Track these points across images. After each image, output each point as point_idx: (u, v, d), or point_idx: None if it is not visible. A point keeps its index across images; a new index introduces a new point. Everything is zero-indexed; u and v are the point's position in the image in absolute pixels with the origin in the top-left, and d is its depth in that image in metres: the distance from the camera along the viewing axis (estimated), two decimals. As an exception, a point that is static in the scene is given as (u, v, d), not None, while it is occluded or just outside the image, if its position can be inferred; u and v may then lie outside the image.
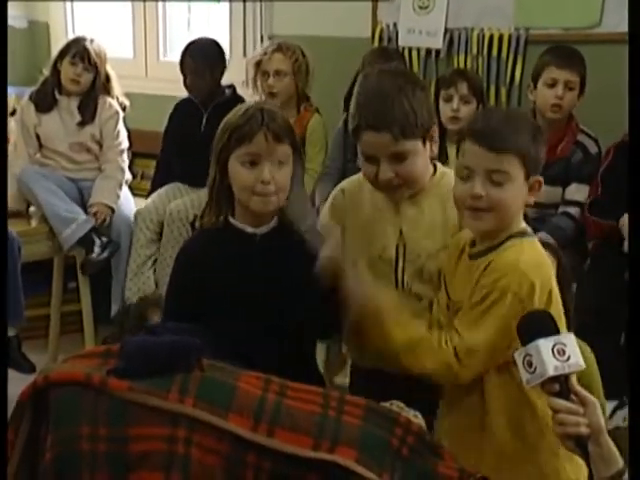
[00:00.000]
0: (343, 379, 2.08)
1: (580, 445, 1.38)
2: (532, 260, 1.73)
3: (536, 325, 1.44)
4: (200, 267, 1.97)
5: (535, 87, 3.07)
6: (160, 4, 4.36)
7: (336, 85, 3.41)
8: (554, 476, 1.76)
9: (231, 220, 1.98)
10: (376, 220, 2.04)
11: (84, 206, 3.47)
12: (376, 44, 3.72)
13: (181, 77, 3.52)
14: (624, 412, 2.50)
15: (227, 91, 3.53)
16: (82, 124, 3.50)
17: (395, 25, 3.71)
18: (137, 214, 3.49)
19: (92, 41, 3.50)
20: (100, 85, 3.52)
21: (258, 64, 3.44)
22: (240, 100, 3.26)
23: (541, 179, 1.75)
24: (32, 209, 3.53)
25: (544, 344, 1.40)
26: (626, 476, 1.39)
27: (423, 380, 1.79)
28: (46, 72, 3.54)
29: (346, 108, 3.34)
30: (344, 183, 2.18)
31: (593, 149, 3.07)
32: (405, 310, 1.85)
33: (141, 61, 4.45)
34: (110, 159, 3.53)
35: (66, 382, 1.59)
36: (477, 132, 1.73)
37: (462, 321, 1.76)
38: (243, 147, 1.89)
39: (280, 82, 3.39)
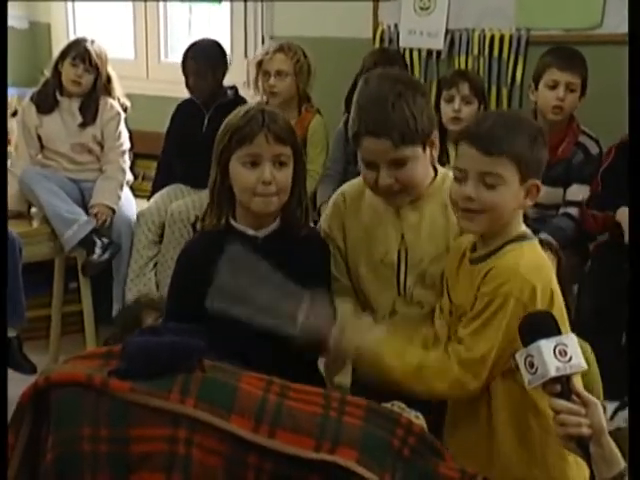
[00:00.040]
0: (344, 378, 2.07)
1: (581, 446, 1.38)
2: (532, 263, 1.72)
3: (537, 326, 1.44)
4: (201, 269, 1.97)
5: (536, 88, 3.07)
6: (161, 5, 4.36)
7: (337, 86, 3.41)
8: (562, 479, 1.75)
9: (232, 222, 1.98)
10: (377, 224, 2.04)
11: (85, 207, 3.47)
12: (377, 45, 3.71)
13: (182, 78, 3.51)
14: (625, 413, 2.50)
15: (229, 92, 3.53)
16: (83, 125, 3.49)
17: (396, 26, 3.71)
18: (140, 215, 3.49)
19: (93, 42, 3.50)
20: (101, 86, 3.51)
21: (260, 64, 3.44)
22: (242, 101, 3.26)
23: (539, 183, 1.74)
24: (33, 210, 3.52)
25: (545, 345, 1.40)
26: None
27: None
28: (47, 73, 3.53)
29: (347, 109, 3.34)
30: (345, 187, 2.17)
31: (594, 150, 3.07)
32: (398, 338, 1.85)
33: (142, 62, 4.45)
34: (111, 160, 3.53)
35: (67, 383, 1.59)
36: (471, 134, 1.74)
37: (466, 331, 1.76)
38: (244, 148, 1.90)
39: (281, 82, 3.39)
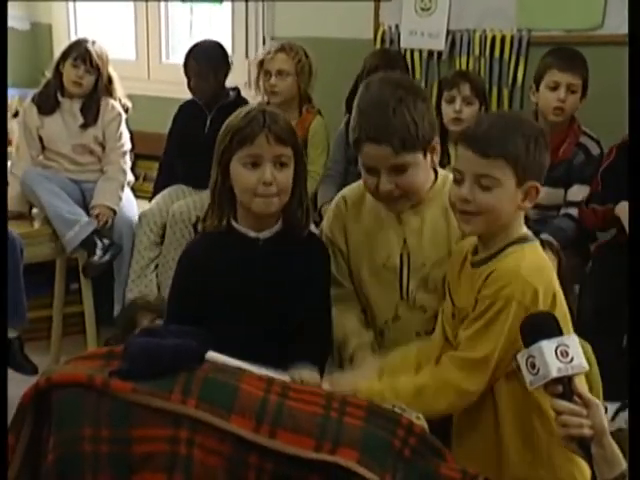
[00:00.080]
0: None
1: (583, 447, 1.38)
2: (534, 265, 1.72)
3: (539, 326, 1.44)
4: (203, 271, 1.97)
5: (537, 89, 3.07)
6: (162, 6, 4.36)
7: (338, 87, 3.41)
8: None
9: (234, 224, 1.98)
10: (379, 228, 2.04)
11: (86, 208, 3.46)
12: (378, 46, 3.71)
13: (183, 79, 3.51)
14: (626, 414, 2.50)
15: (231, 93, 3.52)
16: (85, 126, 3.49)
17: (397, 27, 3.70)
18: (141, 216, 3.49)
19: (94, 43, 3.49)
20: (102, 87, 3.51)
21: (261, 64, 3.44)
22: (244, 102, 3.26)
23: (538, 185, 1.74)
24: (35, 211, 3.52)
25: (547, 345, 1.40)
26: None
27: None
28: (48, 74, 3.54)
29: (348, 110, 3.34)
30: (346, 191, 2.17)
31: (595, 150, 3.06)
32: (389, 376, 1.85)
33: (143, 63, 4.45)
34: (112, 161, 3.53)
35: (68, 383, 1.59)
36: (468, 136, 1.74)
37: (467, 333, 1.76)
38: (245, 149, 1.90)
39: (282, 82, 3.39)
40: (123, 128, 3.57)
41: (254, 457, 1.55)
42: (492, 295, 1.71)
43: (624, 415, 2.51)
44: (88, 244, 3.35)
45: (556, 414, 1.41)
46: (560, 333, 1.43)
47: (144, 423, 1.57)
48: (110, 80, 3.55)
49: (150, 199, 3.63)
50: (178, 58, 4.25)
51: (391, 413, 1.68)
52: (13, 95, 4.10)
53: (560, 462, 1.74)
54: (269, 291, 1.96)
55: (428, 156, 1.94)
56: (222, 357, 1.74)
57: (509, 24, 3.46)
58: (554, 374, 1.39)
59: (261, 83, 3.45)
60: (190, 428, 1.56)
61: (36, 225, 3.47)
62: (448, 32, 3.59)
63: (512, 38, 3.45)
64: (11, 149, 3.73)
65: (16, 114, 3.90)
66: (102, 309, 3.49)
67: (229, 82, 3.56)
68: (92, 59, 3.44)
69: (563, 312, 1.74)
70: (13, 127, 3.86)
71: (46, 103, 3.49)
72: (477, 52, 3.53)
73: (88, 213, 3.43)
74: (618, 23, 3.21)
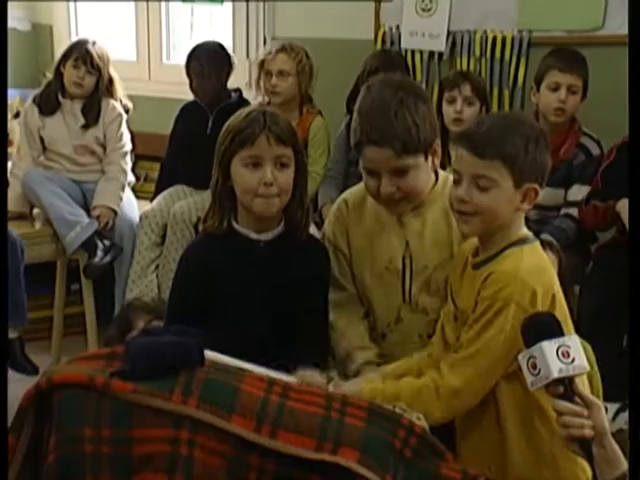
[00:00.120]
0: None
1: (584, 447, 1.38)
2: (532, 266, 1.72)
3: (540, 327, 1.44)
4: (203, 272, 1.97)
5: (538, 90, 3.07)
6: (163, 6, 4.36)
7: (339, 87, 3.41)
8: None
9: (235, 225, 1.98)
10: (380, 231, 2.04)
11: (87, 208, 3.47)
12: (379, 46, 3.71)
13: (184, 80, 3.52)
14: (627, 414, 2.50)
15: (233, 95, 3.52)
16: (86, 127, 3.50)
17: (398, 27, 3.70)
18: (142, 216, 3.49)
19: (94, 43, 3.50)
20: (103, 88, 3.51)
21: (262, 64, 3.44)
22: (246, 103, 3.26)
23: (537, 187, 1.73)
24: (36, 211, 3.53)
25: (548, 346, 1.40)
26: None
27: None
28: (49, 75, 3.54)
29: (349, 111, 3.34)
30: (347, 194, 2.17)
31: (595, 151, 3.06)
32: (391, 380, 1.86)
33: (144, 64, 4.45)
34: (113, 161, 3.53)
35: (69, 384, 1.59)
36: (466, 137, 1.74)
37: (467, 336, 1.76)
38: (245, 149, 1.90)
39: (283, 82, 3.39)
40: (124, 129, 3.57)
41: (255, 457, 1.55)
42: (490, 297, 1.72)
43: (624, 416, 2.51)
44: (89, 245, 3.35)
45: (557, 415, 1.41)
46: (561, 334, 1.43)
47: (145, 423, 1.56)
48: (111, 81, 3.55)
49: (151, 200, 3.63)
50: (179, 59, 4.26)
51: (392, 413, 1.68)
52: (14, 96, 4.10)
53: (563, 462, 1.73)
54: (269, 293, 1.96)
55: (429, 158, 1.94)
56: (224, 357, 1.74)
57: (510, 25, 3.46)
58: (555, 375, 1.39)
59: (262, 83, 3.45)
60: (191, 429, 1.56)
61: (37, 226, 3.48)
62: (449, 33, 3.59)
63: (513, 39, 3.45)
64: (12, 150, 3.73)
65: (17, 115, 3.90)
66: (103, 309, 3.49)
67: (230, 83, 3.57)
68: (93, 60, 3.45)
69: (563, 313, 1.74)
70: (14, 128, 3.86)
71: (47, 104, 3.49)
72: (478, 53, 3.52)
73: (89, 214, 3.43)
74: (619, 24, 3.21)
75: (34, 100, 3.54)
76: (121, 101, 3.60)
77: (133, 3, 4.42)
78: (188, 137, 3.54)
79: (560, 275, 1.87)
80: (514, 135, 1.71)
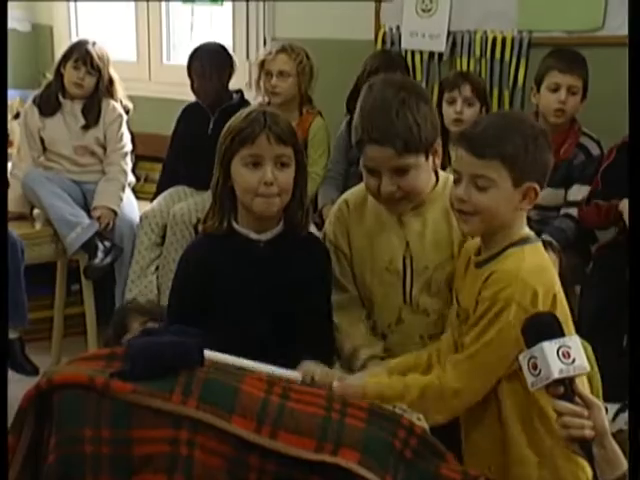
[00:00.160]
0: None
1: (584, 448, 1.38)
2: (533, 266, 1.72)
3: (541, 327, 1.44)
4: (203, 272, 1.97)
5: (538, 91, 3.07)
6: (163, 7, 4.36)
7: (339, 88, 3.41)
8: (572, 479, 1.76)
9: (235, 225, 1.98)
10: (381, 232, 2.04)
11: (87, 209, 3.47)
12: (379, 47, 3.71)
13: (185, 80, 3.52)
14: (627, 415, 2.50)
15: (235, 96, 3.53)
16: (86, 127, 3.50)
17: (398, 28, 3.70)
18: (142, 216, 3.49)
19: (95, 44, 3.50)
20: (103, 88, 3.52)
21: (262, 64, 3.44)
22: (247, 105, 3.26)
23: (536, 186, 1.73)
24: (36, 212, 3.53)
25: (549, 346, 1.40)
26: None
27: None
28: (49, 76, 3.54)
29: (349, 111, 3.34)
30: (347, 194, 2.17)
31: (595, 151, 3.07)
32: (402, 366, 1.87)
33: (144, 64, 4.45)
34: (113, 162, 3.53)
35: (69, 384, 1.59)
36: (464, 137, 1.74)
37: (469, 337, 1.76)
38: (246, 149, 1.90)
39: (283, 83, 3.39)
40: (124, 129, 3.57)
41: (255, 458, 1.55)
42: (491, 297, 1.72)
43: (624, 416, 2.51)
44: (90, 247, 3.35)
45: (557, 415, 1.40)
46: (562, 334, 1.42)
47: (145, 424, 1.56)
48: (111, 81, 3.55)
49: (152, 200, 3.63)
50: (179, 59, 4.27)
51: (392, 414, 1.68)
52: (14, 96, 4.10)
53: (562, 462, 1.74)
54: (269, 293, 1.96)
55: (430, 158, 1.94)
56: (224, 356, 1.74)
57: (510, 25, 3.46)
58: (556, 375, 1.39)
59: (262, 84, 3.45)
60: (191, 429, 1.56)
61: (37, 226, 3.48)
62: (449, 33, 3.59)
63: (513, 39, 3.45)
64: (12, 150, 3.73)
65: (17, 115, 3.90)
66: (103, 310, 3.49)
67: (230, 83, 3.57)
68: (93, 60, 3.45)
69: (564, 313, 1.74)
70: (14, 128, 3.86)
71: (47, 104, 3.49)
72: (478, 53, 3.52)
73: (89, 214, 3.43)
74: (618, 24, 3.21)
75: (34, 101, 3.54)
76: (121, 102, 3.60)
77: (133, 3, 4.42)
78: (190, 138, 3.54)
79: (560, 275, 1.87)
80: (513, 135, 1.71)
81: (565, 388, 1.40)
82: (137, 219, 3.50)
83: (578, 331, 1.73)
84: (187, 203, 3.45)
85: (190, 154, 3.49)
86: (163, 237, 3.46)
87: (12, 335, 3.05)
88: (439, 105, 3.18)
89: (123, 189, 3.53)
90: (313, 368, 1.87)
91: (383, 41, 3.73)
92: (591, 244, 3.11)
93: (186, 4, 4.41)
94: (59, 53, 3.61)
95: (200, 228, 2.06)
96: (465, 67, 3.53)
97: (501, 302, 1.70)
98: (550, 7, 3.38)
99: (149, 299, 3.26)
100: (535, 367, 1.41)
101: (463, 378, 1.74)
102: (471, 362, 1.74)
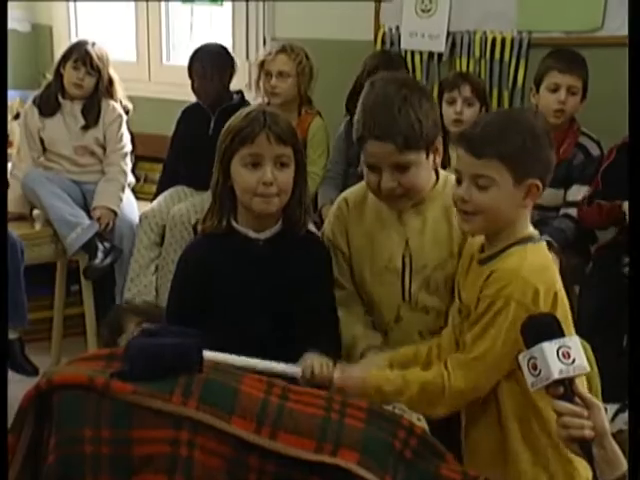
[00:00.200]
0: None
1: (584, 448, 1.38)
2: (535, 265, 1.72)
3: (540, 328, 1.44)
4: (203, 272, 1.97)
5: (537, 91, 3.07)
6: (163, 7, 4.36)
7: (338, 88, 3.41)
8: None
9: (234, 224, 1.99)
10: (380, 230, 2.04)
11: (87, 209, 3.47)
12: (379, 47, 3.72)
13: (184, 80, 3.52)
14: (626, 415, 2.50)
15: (235, 96, 3.53)
16: (86, 128, 3.50)
17: (398, 28, 3.71)
18: (142, 216, 3.49)
19: (94, 44, 3.50)
20: (103, 89, 3.52)
21: (262, 64, 3.44)
22: (248, 105, 3.25)
23: (538, 182, 1.74)
24: (36, 212, 3.52)
25: (549, 347, 1.40)
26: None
27: None
28: (49, 76, 3.54)
29: (348, 111, 3.34)
30: (347, 193, 2.17)
31: (595, 151, 3.07)
32: (402, 359, 1.87)
33: (144, 64, 4.45)
34: (113, 162, 3.53)
35: (69, 385, 1.59)
36: (463, 137, 1.75)
37: (470, 335, 1.77)
38: (245, 148, 1.90)
39: (283, 83, 3.39)
40: (124, 130, 3.57)
41: (255, 459, 1.55)
42: (492, 295, 1.72)
43: (624, 416, 2.51)
44: (90, 247, 3.35)
45: (557, 415, 1.41)
46: (562, 334, 1.42)
47: (145, 424, 1.57)
48: (111, 82, 3.55)
49: (152, 201, 3.63)
50: (179, 59, 4.27)
51: (392, 414, 1.68)
52: (14, 97, 4.10)
53: (557, 463, 1.74)
54: (269, 292, 1.96)
55: (431, 156, 1.95)
56: (224, 356, 1.74)
57: (509, 26, 3.46)
58: (556, 376, 1.39)
59: (261, 84, 3.45)
60: (191, 430, 1.56)
61: (37, 227, 3.48)
62: (448, 34, 3.59)
63: (512, 40, 3.45)
64: (12, 151, 3.73)
65: (17, 116, 3.90)
66: (103, 310, 3.48)
67: (231, 84, 3.56)
68: (92, 61, 3.45)
69: (565, 312, 1.74)
70: (14, 129, 3.86)
71: (47, 105, 3.49)
72: (477, 54, 3.53)
73: (89, 214, 3.43)
74: (618, 25, 3.21)
75: (34, 101, 3.54)
76: (121, 102, 3.60)
77: (133, 4, 4.42)
78: (190, 139, 3.54)
79: (560, 275, 1.88)
80: (511, 133, 1.71)
81: (565, 388, 1.40)
82: (137, 219, 3.50)
83: (577, 331, 1.73)
84: (186, 204, 3.44)
85: (190, 155, 3.49)
86: (162, 237, 3.46)
87: (12, 335, 3.04)
88: (439, 105, 3.18)
89: (123, 189, 3.53)
90: (313, 362, 1.87)
91: (383, 41, 3.73)
92: (591, 244, 3.11)
93: (186, 4, 4.41)
94: (59, 53, 3.60)
95: (199, 228, 2.06)
96: (465, 67, 3.54)
97: (502, 300, 1.70)
98: (549, 8, 3.39)
99: (145, 300, 3.25)
100: (535, 367, 1.41)
101: (471, 380, 1.75)
102: (477, 364, 1.74)
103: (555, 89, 3.00)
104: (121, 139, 3.55)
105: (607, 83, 3.15)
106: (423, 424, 1.71)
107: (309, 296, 1.98)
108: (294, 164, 1.95)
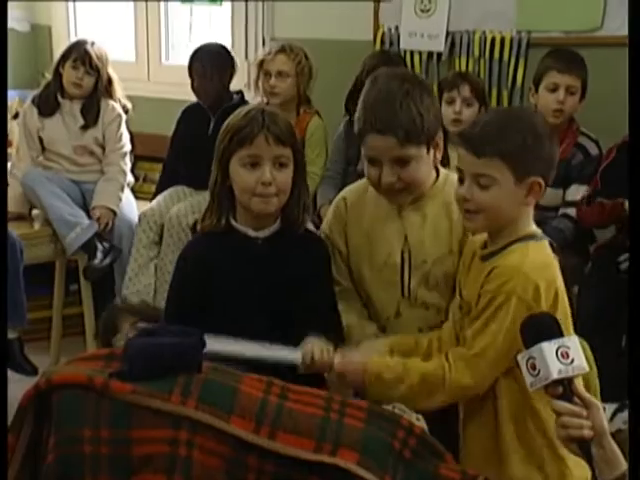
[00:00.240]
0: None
1: (583, 448, 1.38)
2: (536, 262, 1.73)
3: (539, 328, 1.44)
4: (202, 270, 1.98)
5: (536, 91, 3.07)
6: (162, 7, 4.36)
7: (337, 88, 3.41)
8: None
9: (233, 223, 1.99)
10: (380, 226, 2.04)
11: (86, 209, 3.47)
12: (378, 47, 3.72)
13: (183, 80, 3.51)
14: (624, 415, 2.50)
15: (235, 97, 3.52)
16: (85, 127, 3.50)
17: (397, 28, 3.70)
18: (141, 215, 3.49)
19: (93, 44, 3.49)
20: (102, 88, 3.51)
21: (261, 64, 3.45)
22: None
23: (541, 180, 1.74)
24: (35, 212, 3.52)
25: (548, 347, 1.40)
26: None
27: None
28: (48, 76, 3.54)
29: (347, 111, 3.34)
30: (346, 191, 2.18)
31: (594, 151, 3.07)
32: (403, 347, 1.87)
33: (143, 64, 4.45)
34: (112, 162, 3.53)
35: (68, 384, 1.59)
36: (464, 137, 1.75)
37: (469, 331, 1.77)
38: (244, 149, 1.90)
39: (282, 83, 3.39)
40: (123, 129, 3.57)
41: (254, 458, 1.55)
42: (494, 290, 1.72)
43: (622, 416, 2.51)
44: (89, 247, 3.35)
45: (556, 415, 1.41)
46: (561, 334, 1.42)
47: (144, 424, 1.57)
48: (110, 81, 3.55)
49: (151, 200, 3.63)
50: (178, 59, 4.27)
51: (391, 414, 1.68)
52: (13, 96, 4.10)
53: (550, 462, 1.74)
54: (268, 290, 1.96)
55: (431, 152, 1.95)
56: (226, 343, 1.75)
57: (509, 25, 3.46)
58: (555, 376, 1.39)
59: (260, 84, 3.45)
60: (190, 429, 1.56)
61: (36, 226, 3.48)
62: (448, 33, 3.59)
63: (512, 39, 3.45)
64: (11, 150, 3.73)
65: (16, 115, 3.90)
66: (102, 310, 3.47)
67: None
68: (92, 60, 3.45)
69: (565, 311, 1.75)
70: (13, 128, 3.86)
71: (46, 105, 3.49)
72: (477, 53, 3.53)
73: (88, 214, 3.43)
74: (617, 25, 3.21)
75: (33, 101, 3.54)
76: (120, 101, 3.60)
77: (132, 3, 4.42)
78: (190, 138, 3.54)
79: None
80: (511, 131, 1.71)
81: (564, 388, 1.40)
82: (136, 219, 3.50)
83: (576, 331, 1.74)
84: (183, 205, 3.44)
85: (190, 155, 3.48)
86: (161, 236, 3.46)
87: (11, 335, 3.04)
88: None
89: (122, 189, 3.53)
90: (313, 347, 1.87)
91: (382, 41, 3.73)
92: (589, 244, 3.12)
93: (185, 4, 4.41)
94: (58, 53, 3.61)
95: (198, 227, 2.07)
96: (464, 67, 3.54)
97: (503, 295, 1.70)
98: (549, 7, 3.38)
99: (142, 299, 3.25)
100: (534, 367, 1.41)
101: (471, 376, 1.75)
102: (477, 360, 1.74)
103: (554, 89, 3.00)
104: (120, 139, 3.55)
105: (606, 83, 3.15)
106: (422, 424, 1.71)
107: (308, 294, 1.98)
108: (293, 164, 1.95)
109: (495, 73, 3.50)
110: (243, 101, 3.50)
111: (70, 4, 4.62)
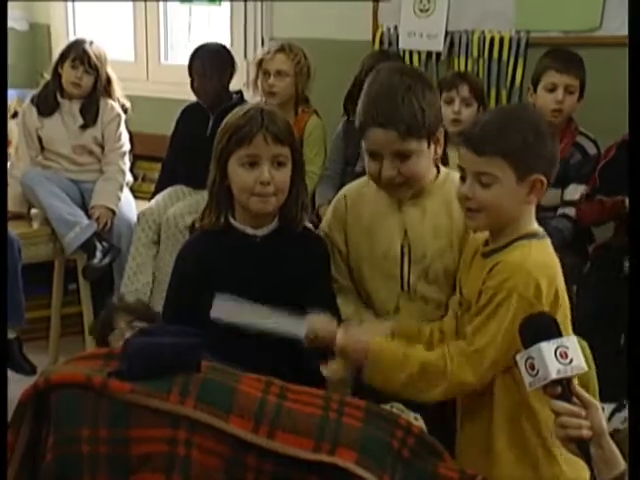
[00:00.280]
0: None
1: (582, 448, 1.38)
2: (538, 260, 1.73)
3: (538, 328, 1.44)
4: (200, 268, 1.98)
5: (535, 91, 3.07)
6: (161, 7, 4.36)
7: (336, 87, 3.41)
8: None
9: (231, 221, 1.99)
10: (380, 221, 2.04)
11: (85, 208, 3.47)
12: (377, 47, 3.71)
13: (182, 80, 3.51)
14: (623, 414, 2.50)
15: (235, 96, 3.52)
16: (84, 127, 3.49)
17: (396, 28, 3.70)
18: (140, 214, 3.49)
19: (92, 43, 3.49)
20: (101, 88, 3.51)
21: (260, 63, 3.44)
22: (247, 105, 3.26)
23: (542, 178, 1.74)
24: (33, 211, 3.52)
25: (547, 347, 1.40)
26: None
27: None
28: (47, 75, 3.54)
29: (346, 110, 3.34)
30: (346, 189, 2.18)
31: (592, 150, 3.07)
32: (401, 342, 1.86)
33: (142, 64, 4.45)
34: (111, 161, 3.53)
35: (67, 384, 1.60)
36: (465, 135, 1.76)
37: (470, 327, 1.77)
38: (243, 148, 1.90)
39: (281, 82, 3.39)
40: (122, 129, 3.57)
41: (252, 458, 1.55)
42: (495, 287, 1.72)
43: (620, 416, 2.51)
44: (88, 247, 3.34)
45: (555, 415, 1.41)
46: (559, 334, 1.43)
47: (142, 424, 1.57)
48: (109, 81, 3.55)
49: (150, 200, 3.63)
50: (177, 59, 4.27)
51: (390, 414, 1.69)
52: (12, 96, 4.09)
53: (543, 462, 1.74)
54: (267, 288, 1.96)
55: (432, 146, 1.95)
56: (238, 308, 1.75)
57: (508, 25, 3.46)
58: (554, 376, 1.39)
59: (259, 83, 3.45)
60: (188, 429, 1.56)
61: (35, 226, 3.47)
62: (447, 33, 3.59)
63: (511, 39, 3.45)
64: (10, 150, 3.73)
65: (15, 115, 3.89)
66: (100, 310, 3.47)
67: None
68: (90, 60, 3.44)
69: (565, 311, 1.75)
70: (12, 128, 3.86)
71: (45, 104, 3.49)
72: (476, 53, 3.53)
73: (87, 213, 3.43)
74: (616, 25, 3.22)
75: (32, 100, 3.53)
76: (119, 101, 3.60)
77: (131, 3, 4.42)
78: (189, 138, 3.54)
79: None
80: (511, 130, 1.71)
81: (563, 388, 1.40)
82: (135, 219, 3.50)
83: (575, 331, 1.74)
84: (181, 205, 3.44)
85: (189, 154, 3.48)
86: (160, 235, 3.46)
87: (10, 334, 3.04)
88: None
89: (121, 188, 3.53)
90: (316, 325, 1.86)
91: (381, 41, 3.73)
92: (588, 244, 3.12)
93: (184, 4, 4.41)
94: (57, 52, 3.60)
95: (197, 225, 2.07)
96: (463, 67, 3.54)
97: (504, 292, 1.70)
98: (548, 7, 3.39)
99: (138, 298, 3.25)
100: (532, 367, 1.41)
101: (475, 372, 1.74)
102: (477, 356, 1.73)
103: (552, 89, 3.00)
104: (119, 138, 3.55)
105: (605, 83, 3.15)
106: (420, 423, 1.71)
107: (307, 293, 1.98)
108: (291, 163, 1.95)
109: (494, 73, 3.50)
110: (242, 101, 3.49)
111: (69, 3, 4.62)
